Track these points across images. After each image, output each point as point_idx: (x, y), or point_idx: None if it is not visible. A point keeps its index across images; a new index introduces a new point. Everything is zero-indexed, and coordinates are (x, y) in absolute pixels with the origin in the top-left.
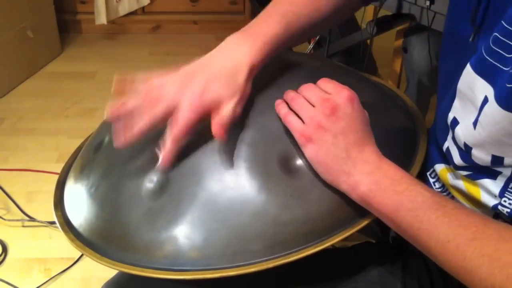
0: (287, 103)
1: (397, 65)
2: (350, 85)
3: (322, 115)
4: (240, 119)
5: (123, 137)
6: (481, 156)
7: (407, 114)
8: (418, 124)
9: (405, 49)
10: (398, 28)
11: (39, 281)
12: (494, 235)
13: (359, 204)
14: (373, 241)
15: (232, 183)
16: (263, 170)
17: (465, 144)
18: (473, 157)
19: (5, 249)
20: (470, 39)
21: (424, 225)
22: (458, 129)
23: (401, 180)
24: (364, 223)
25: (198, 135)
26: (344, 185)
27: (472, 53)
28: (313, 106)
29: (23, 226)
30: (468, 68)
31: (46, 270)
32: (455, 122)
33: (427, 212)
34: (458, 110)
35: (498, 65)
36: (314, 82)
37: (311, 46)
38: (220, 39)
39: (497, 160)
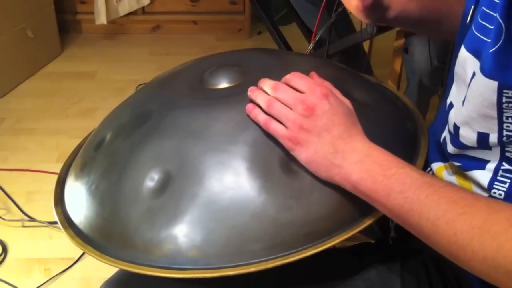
0: (259, 106)
1: (397, 65)
2: (350, 87)
3: (302, 117)
4: (242, 119)
5: None
6: (468, 135)
7: (408, 116)
8: (418, 127)
9: (406, 50)
10: (398, 28)
11: (39, 281)
12: (483, 208)
13: (354, 193)
14: (373, 241)
15: (232, 183)
16: (263, 170)
17: (454, 125)
18: (461, 138)
19: (5, 249)
20: (468, 21)
21: (415, 206)
22: (452, 112)
23: (390, 164)
24: (363, 225)
25: (199, 135)
26: (337, 178)
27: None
28: (290, 107)
29: (23, 226)
30: (462, 49)
31: (46, 270)
32: (450, 106)
33: (416, 192)
34: (454, 94)
35: (484, 38)
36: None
37: (311, 46)
38: (220, 39)
39: (483, 138)
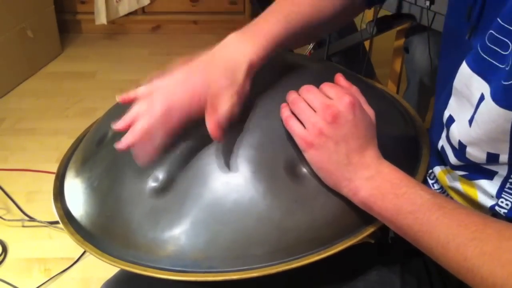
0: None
1: (397, 65)
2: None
3: (324, 122)
4: (248, 122)
5: (142, 159)
6: (476, 154)
7: (409, 123)
8: (420, 134)
9: (406, 49)
10: (398, 28)
11: (39, 281)
12: (494, 234)
13: (361, 207)
14: (372, 241)
15: (237, 186)
16: (269, 174)
17: (459, 142)
18: (467, 155)
19: (5, 249)
20: (467, 37)
21: (424, 227)
22: (454, 127)
23: (400, 183)
24: (366, 232)
25: (204, 136)
26: (345, 190)
27: (468, 51)
28: (315, 110)
29: (23, 226)
30: (464, 66)
31: (46, 270)
32: (450, 120)
33: (427, 214)
34: (454, 108)
35: (494, 62)
36: (318, 86)
37: (311, 46)
38: (220, 39)
39: (492, 158)
